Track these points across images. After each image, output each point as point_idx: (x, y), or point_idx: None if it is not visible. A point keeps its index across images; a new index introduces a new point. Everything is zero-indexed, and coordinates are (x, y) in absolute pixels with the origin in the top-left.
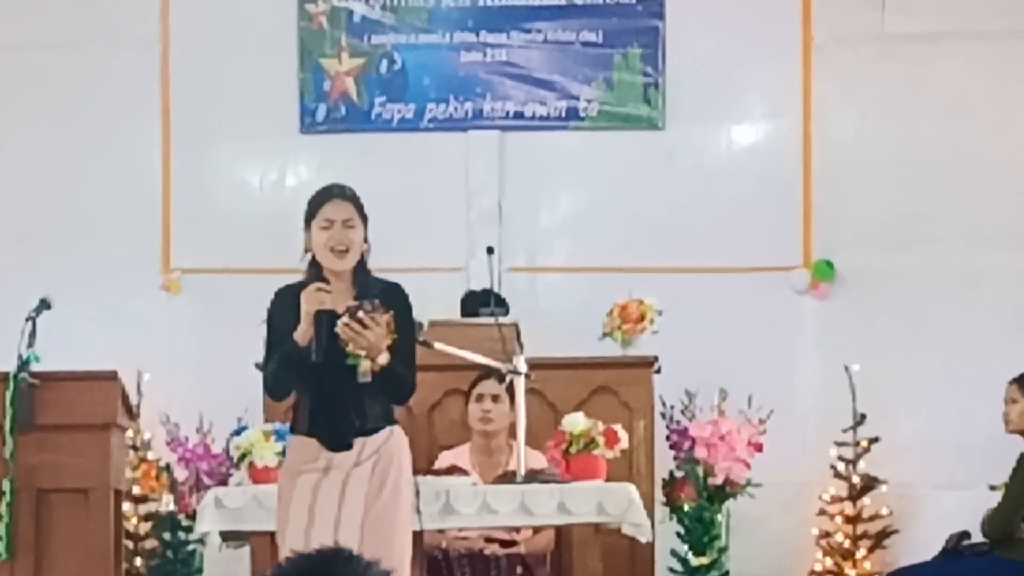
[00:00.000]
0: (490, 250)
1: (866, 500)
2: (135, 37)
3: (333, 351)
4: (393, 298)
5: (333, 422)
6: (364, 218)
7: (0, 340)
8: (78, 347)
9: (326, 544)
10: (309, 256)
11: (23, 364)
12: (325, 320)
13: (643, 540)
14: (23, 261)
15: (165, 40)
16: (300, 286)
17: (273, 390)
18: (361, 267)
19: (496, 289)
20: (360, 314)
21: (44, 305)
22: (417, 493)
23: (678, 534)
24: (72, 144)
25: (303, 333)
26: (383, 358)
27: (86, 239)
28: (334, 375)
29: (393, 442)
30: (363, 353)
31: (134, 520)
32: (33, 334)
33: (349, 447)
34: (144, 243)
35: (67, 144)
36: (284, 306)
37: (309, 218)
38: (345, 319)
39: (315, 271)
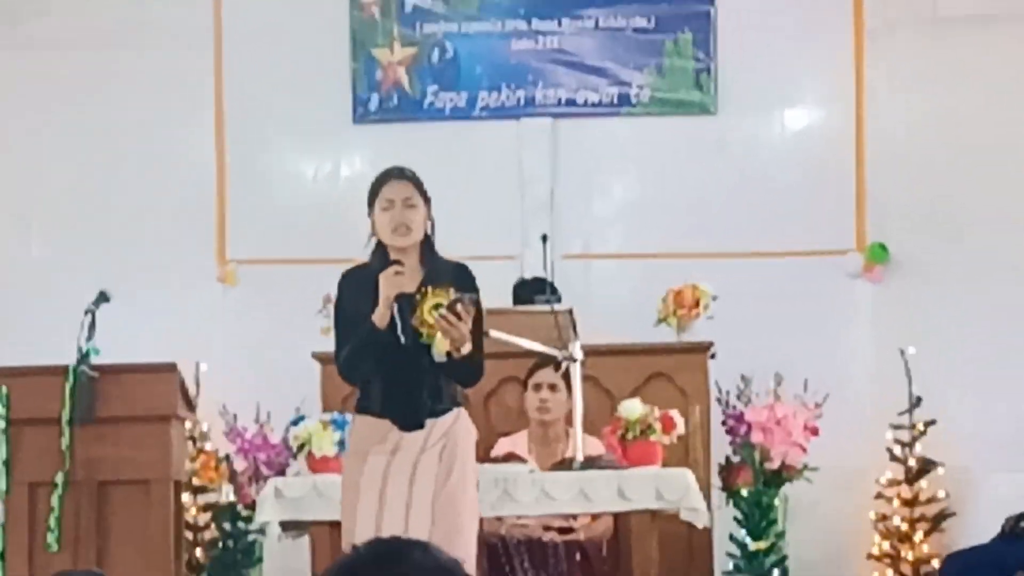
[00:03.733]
0: (544, 238)
1: (923, 483)
2: (188, 31)
3: (406, 332)
4: (463, 279)
5: (407, 402)
6: (426, 198)
7: (60, 334)
8: (136, 339)
9: (397, 529)
10: (374, 239)
11: (82, 357)
12: (404, 302)
13: (700, 525)
14: (81, 256)
15: (218, 33)
16: (367, 269)
17: (349, 375)
18: (428, 247)
19: (550, 277)
20: (459, 307)
21: (103, 298)
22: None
23: (735, 519)
24: (127, 138)
25: (382, 317)
26: (466, 348)
27: (142, 232)
28: (410, 355)
29: (460, 425)
30: (439, 336)
31: (194, 511)
32: (92, 327)
33: (421, 426)
34: (200, 235)
35: (122, 138)
36: (354, 289)
37: (371, 201)
38: (443, 311)
39: (380, 253)
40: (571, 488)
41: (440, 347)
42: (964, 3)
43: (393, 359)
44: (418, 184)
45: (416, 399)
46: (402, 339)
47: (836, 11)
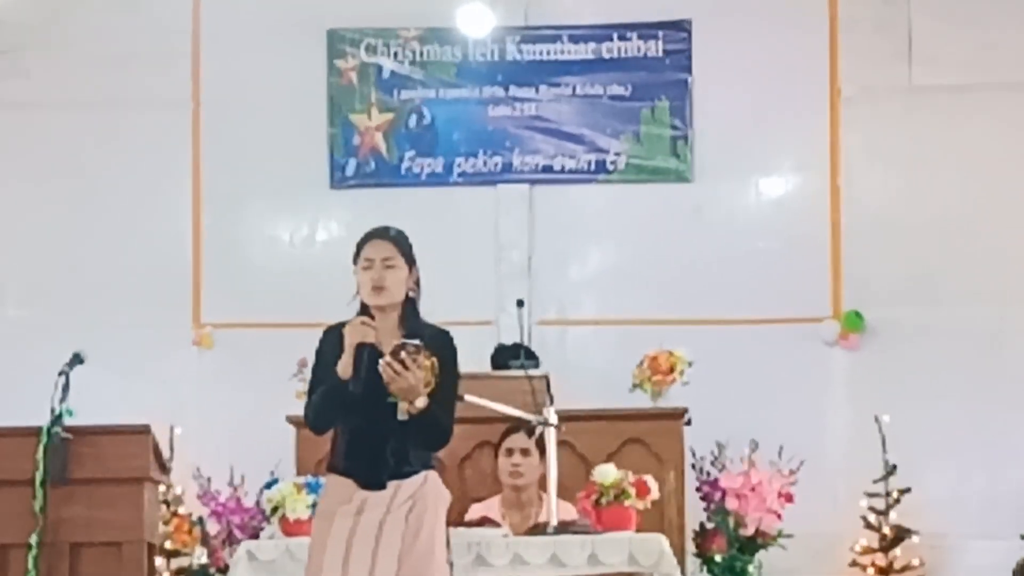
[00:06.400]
0: (520, 303)
1: (897, 551)
2: (167, 94)
3: (376, 388)
4: (440, 345)
5: (369, 460)
6: (410, 260)
7: (35, 396)
8: (111, 402)
9: None
10: (358, 299)
11: (56, 418)
12: (367, 354)
13: None
14: (56, 317)
15: (196, 98)
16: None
17: (313, 423)
18: (411, 310)
19: (526, 342)
20: (402, 354)
21: (77, 359)
22: (449, 545)
23: None
24: (104, 200)
25: (344, 366)
26: (421, 402)
27: (118, 294)
28: (374, 412)
29: (428, 488)
30: (399, 396)
31: (166, 574)
32: (66, 388)
33: (383, 486)
34: (176, 299)
35: (99, 200)
36: (331, 343)
37: (355, 259)
38: (387, 358)
39: (362, 312)
40: (545, 552)
41: (403, 405)
42: (939, 72)
43: (357, 413)
44: (401, 245)
45: (378, 457)
46: (351, 386)
47: (812, 79)
